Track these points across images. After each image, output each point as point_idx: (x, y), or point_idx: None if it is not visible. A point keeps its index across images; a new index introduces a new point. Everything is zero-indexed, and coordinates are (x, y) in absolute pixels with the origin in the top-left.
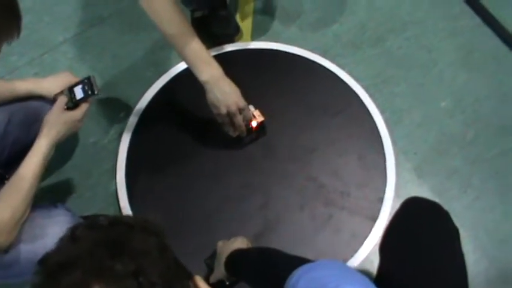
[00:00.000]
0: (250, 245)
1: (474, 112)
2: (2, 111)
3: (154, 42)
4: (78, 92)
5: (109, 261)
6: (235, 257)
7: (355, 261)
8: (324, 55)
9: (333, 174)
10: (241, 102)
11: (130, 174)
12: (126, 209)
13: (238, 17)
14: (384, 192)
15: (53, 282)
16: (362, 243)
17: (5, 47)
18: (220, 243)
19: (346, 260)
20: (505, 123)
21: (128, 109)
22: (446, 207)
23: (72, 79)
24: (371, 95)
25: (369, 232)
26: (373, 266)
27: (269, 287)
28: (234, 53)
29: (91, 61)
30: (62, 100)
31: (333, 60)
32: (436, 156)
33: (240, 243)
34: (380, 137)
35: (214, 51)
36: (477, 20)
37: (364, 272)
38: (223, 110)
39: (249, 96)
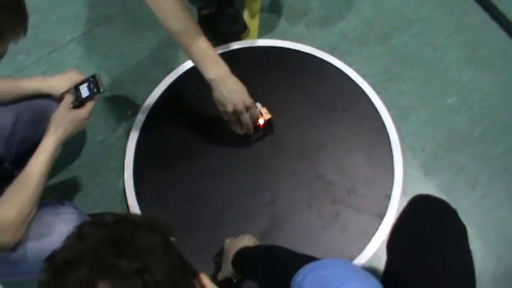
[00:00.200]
0: (257, 243)
1: (481, 109)
2: (10, 110)
3: (161, 40)
4: (84, 90)
5: (114, 259)
6: (242, 255)
7: (362, 259)
8: (331, 52)
9: (340, 172)
10: (248, 100)
11: (138, 172)
12: (134, 206)
13: (245, 15)
14: (391, 189)
15: (59, 280)
16: (369, 241)
17: (12, 45)
18: (227, 241)
19: (353, 258)
20: (511, 120)
21: (136, 107)
22: (453, 204)
23: (79, 77)
24: (378, 92)
25: (377, 229)
26: (381, 263)
27: (275, 285)
28: (241, 51)
29: (98, 60)
30: (68, 99)
31: (340, 58)
32: (443, 153)
33: (247, 241)
34: (387, 134)
35: (222, 49)
36: (484, 16)
37: (372, 269)
38: (230, 108)
39: (256, 93)
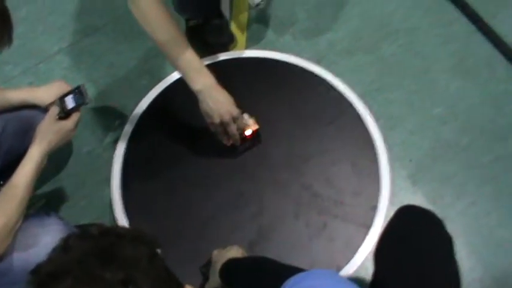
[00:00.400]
0: (245, 254)
1: (468, 119)
2: None
3: (148, 50)
4: (69, 102)
5: (99, 270)
6: (230, 266)
7: (349, 269)
8: (318, 63)
9: (327, 182)
10: (235, 111)
11: (125, 183)
12: (121, 217)
13: (232, 26)
14: (378, 200)
15: None
16: (356, 251)
17: None
18: (215, 252)
19: (340, 268)
20: (498, 130)
21: (123, 118)
22: (441, 213)
23: (66, 88)
24: (365, 103)
25: (363, 240)
26: (368, 274)
27: None
28: (229, 62)
29: (86, 70)
30: (54, 110)
31: (327, 68)
32: (431, 163)
33: (235, 252)
34: (374, 144)
35: (209, 60)
36: (471, 27)
37: (359, 280)
38: (217, 120)
39: (243, 104)
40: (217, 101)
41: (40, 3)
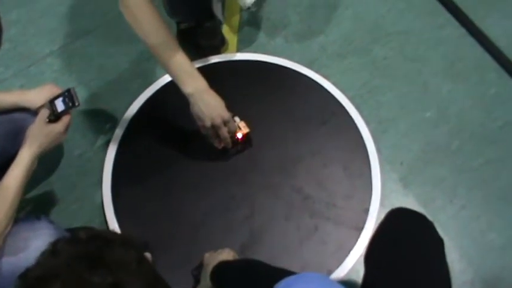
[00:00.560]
0: (236, 257)
1: (459, 122)
2: None
3: (140, 53)
4: (59, 105)
5: (87, 274)
6: (221, 269)
7: (341, 272)
8: (309, 66)
9: (318, 185)
10: (226, 115)
11: (116, 186)
12: (112, 221)
13: (224, 29)
14: (369, 202)
15: None
16: (348, 254)
17: None
18: (206, 255)
19: (331, 271)
20: (488, 133)
21: (114, 121)
22: (432, 217)
23: (57, 91)
24: (356, 106)
25: (355, 242)
26: (359, 277)
27: None
28: (220, 65)
29: (77, 73)
30: (44, 113)
31: (318, 71)
32: (422, 166)
33: (226, 255)
34: (365, 147)
35: (200, 63)
36: (461, 30)
37: (351, 283)
38: (208, 123)
39: (235, 107)
40: (208, 105)
41: (32, 6)
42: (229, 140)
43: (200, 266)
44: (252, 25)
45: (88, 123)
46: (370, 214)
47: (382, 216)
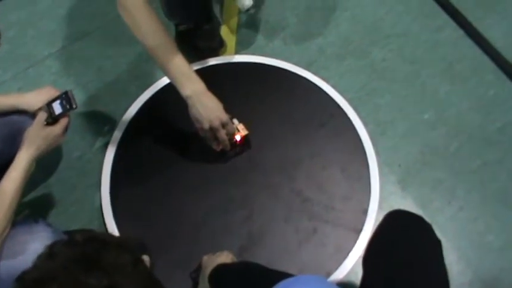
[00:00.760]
0: (234, 260)
1: (457, 124)
2: None
3: (138, 56)
4: (57, 107)
5: (83, 277)
6: (219, 272)
7: (340, 274)
8: (308, 68)
9: (317, 187)
10: (224, 117)
11: (115, 188)
12: (110, 223)
13: (222, 31)
14: (368, 204)
15: None
16: (347, 256)
17: None
18: (205, 258)
19: (330, 273)
20: (487, 135)
21: (113, 123)
22: (430, 218)
23: (55, 93)
24: (355, 108)
25: (354, 244)
26: (358, 278)
27: None
28: (219, 67)
29: (75, 75)
30: (41, 116)
31: (317, 73)
32: (420, 168)
33: (224, 257)
34: (364, 149)
35: (199, 65)
36: (460, 32)
37: (349, 285)
38: (206, 125)
39: (233, 109)
40: (206, 107)
41: (31, 8)
42: (227, 143)
43: (199, 269)
44: (250, 27)
45: (87, 125)
46: (369, 216)
47: (381, 218)
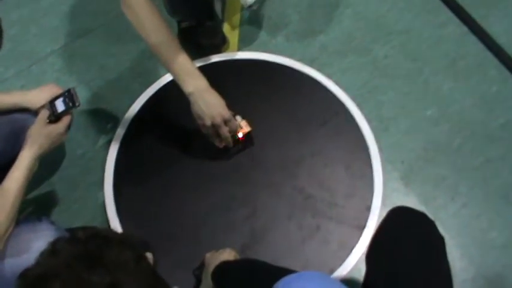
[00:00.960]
0: (237, 257)
1: (460, 120)
2: None
3: (141, 53)
4: (60, 105)
5: (86, 274)
6: (222, 269)
7: (343, 271)
8: (310, 65)
9: (320, 184)
10: (226, 114)
11: (118, 185)
12: (113, 220)
13: (225, 28)
14: (371, 201)
15: None
16: (350, 253)
17: None
18: (208, 255)
19: (334, 270)
20: (490, 131)
21: (116, 120)
22: (433, 215)
23: (57, 91)
24: (358, 104)
25: (357, 241)
26: (362, 275)
27: None
28: (221, 64)
29: (78, 72)
30: (44, 113)
31: (319, 70)
32: (423, 165)
33: (227, 255)
34: (367, 146)
35: (201, 62)
36: (463, 28)
37: (353, 281)
38: (208, 122)
39: (236, 106)
40: (208, 104)
41: (34, 5)
42: (230, 140)
43: (202, 266)
44: (252, 24)
45: (90, 122)
46: (372, 213)
47: (384, 214)
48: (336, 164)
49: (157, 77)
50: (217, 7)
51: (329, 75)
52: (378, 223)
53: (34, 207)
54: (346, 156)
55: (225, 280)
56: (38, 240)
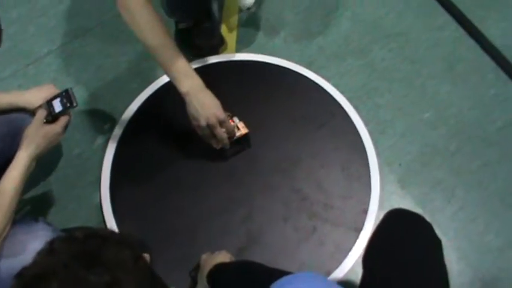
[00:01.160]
0: (233, 259)
1: (457, 123)
2: None
3: (139, 53)
4: (57, 105)
5: (84, 273)
6: (217, 271)
7: (339, 273)
8: (308, 67)
9: (317, 186)
10: (221, 115)
11: (115, 186)
12: (110, 221)
13: (222, 29)
14: (368, 204)
15: None
16: (347, 255)
17: None
18: (204, 256)
19: (330, 272)
20: (487, 135)
21: (113, 121)
22: (430, 218)
23: (55, 91)
24: (355, 107)
25: (354, 243)
26: (358, 278)
27: None
28: (219, 65)
29: (75, 72)
30: (41, 114)
31: (317, 72)
32: (420, 168)
33: (223, 257)
34: (364, 148)
35: (199, 63)
36: (460, 31)
37: (349, 284)
38: (203, 123)
39: (233, 108)
40: (203, 104)
41: (32, 5)
42: (226, 141)
43: (197, 267)
44: (250, 25)
45: (87, 122)
46: (369, 215)
47: (381, 217)
48: (333, 166)
49: (155, 78)
50: (215, 8)
51: (327, 77)
52: (375, 225)
53: (30, 207)
54: (343, 159)
55: (220, 282)
56: (34, 241)
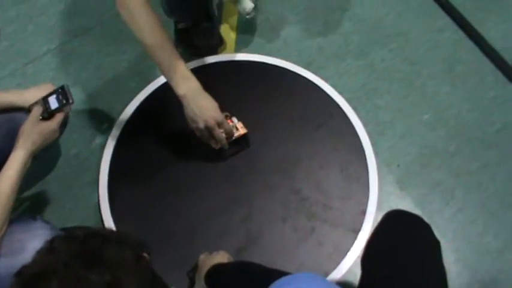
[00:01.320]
0: (231, 259)
1: (456, 125)
2: None
3: (138, 53)
4: (53, 102)
5: (85, 272)
6: (215, 272)
7: (338, 274)
8: (307, 67)
9: (315, 187)
10: (219, 117)
11: (113, 185)
12: (108, 220)
13: (222, 29)
14: (366, 204)
15: None
16: (345, 256)
17: None
18: (202, 257)
19: (328, 273)
20: (486, 137)
21: (111, 120)
22: (428, 219)
23: None
24: (354, 108)
25: (352, 244)
26: (356, 279)
27: None
28: (218, 65)
29: (74, 72)
30: (37, 110)
31: (316, 73)
32: (419, 169)
33: (221, 257)
34: (363, 149)
35: (198, 63)
36: (460, 33)
37: (347, 285)
38: (201, 125)
39: (232, 108)
40: (201, 106)
41: (31, 4)
42: (225, 141)
43: (196, 268)
44: (250, 25)
45: (85, 122)
46: (367, 216)
47: (379, 218)
48: (332, 166)
49: (154, 77)
50: (214, 8)
51: (326, 78)
52: (373, 226)
53: (28, 206)
54: (342, 159)
55: (218, 282)
56: (32, 240)
